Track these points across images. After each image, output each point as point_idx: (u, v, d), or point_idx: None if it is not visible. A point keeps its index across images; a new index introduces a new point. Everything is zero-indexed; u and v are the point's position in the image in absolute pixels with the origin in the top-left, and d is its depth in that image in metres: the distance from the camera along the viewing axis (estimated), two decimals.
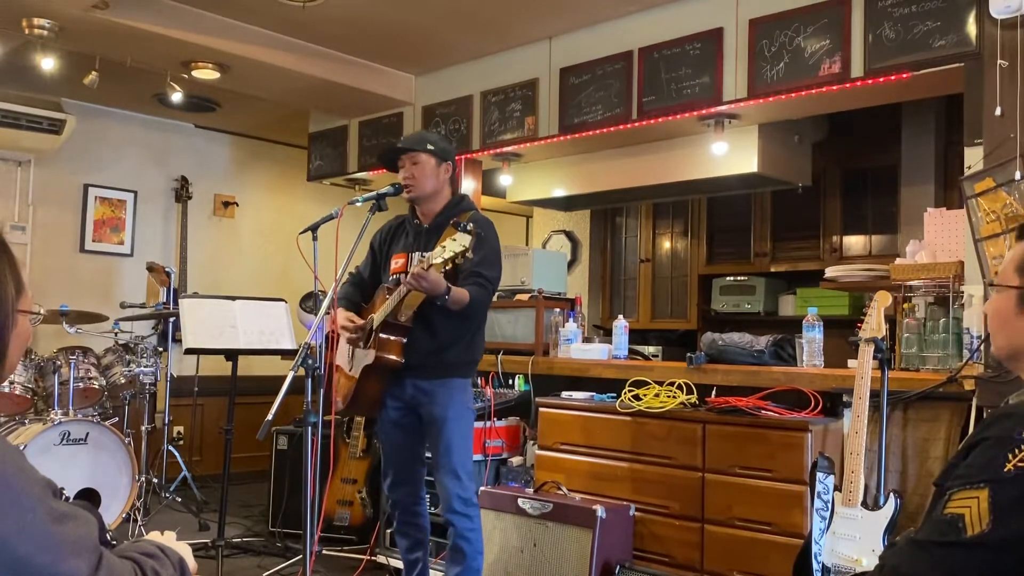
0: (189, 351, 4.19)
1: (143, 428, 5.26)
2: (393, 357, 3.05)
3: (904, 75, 3.39)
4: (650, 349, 5.44)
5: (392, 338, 3.06)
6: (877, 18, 3.43)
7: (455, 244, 2.72)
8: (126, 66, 4.80)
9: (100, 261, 6.24)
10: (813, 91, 3.65)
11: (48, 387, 4.58)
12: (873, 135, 5.28)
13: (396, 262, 3.25)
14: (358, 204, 3.11)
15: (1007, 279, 1.41)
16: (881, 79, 3.45)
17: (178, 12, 4.32)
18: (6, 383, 4.36)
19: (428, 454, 3.25)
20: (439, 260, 2.72)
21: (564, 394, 3.94)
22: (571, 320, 4.27)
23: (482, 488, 3.76)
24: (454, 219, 3.15)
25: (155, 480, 5.18)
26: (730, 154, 4.51)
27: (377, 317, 3.06)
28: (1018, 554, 1.19)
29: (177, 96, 5.30)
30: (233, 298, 4.32)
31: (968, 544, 1.20)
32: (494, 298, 3.32)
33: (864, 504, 2.58)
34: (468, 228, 2.82)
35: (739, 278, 5.94)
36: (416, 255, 3.20)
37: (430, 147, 3.18)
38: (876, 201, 5.41)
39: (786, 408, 3.25)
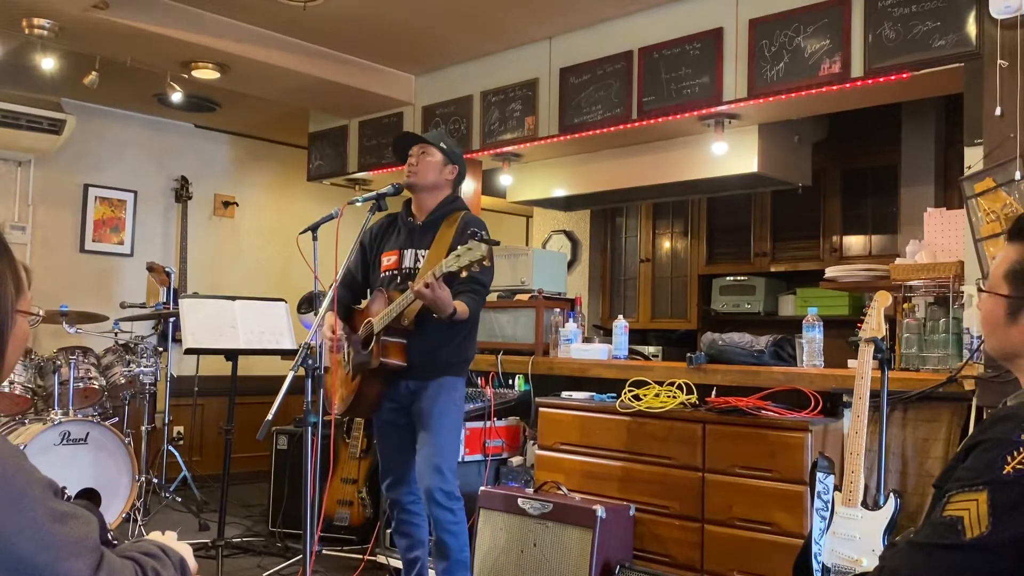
0: (189, 351, 4.19)
1: (143, 428, 5.26)
2: (396, 361, 3.06)
3: (904, 75, 3.39)
4: (650, 349, 5.44)
5: (395, 341, 3.06)
6: (877, 18, 3.44)
7: (472, 253, 2.72)
8: (126, 66, 4.80)
9: (100, 261, 6.24)
10: (813, 91, 3.65)
11: (48, 387, 4.58)
12: (873, 135, 5.28)
13: (387, 259, 3.26)
14: (358, 204, 3.11)
15: (996, 286, 1.41)
16: (881, 79, 3.45)
17: (178, 12, 4.32)
18: (6, 383, 4.36)
19: None
20: (455, 267, 2.74)
21: (564, 394, 3.94)
22: (571, 320, 4.27)
23: (482, 488, 3.76)
24: (448, 218, 3.19)
25: (155, 480, 5.18)
26: (730, 154, 4.51)
27: (379, 322, 3.05)
28: (1018, 556, 1.19)
29: (177, 96, 5.30)
30: (233, 298, 4.32)
31: (968, 546, 1.20)
32: (492, 297, 3.33)
33: (864, 504, 2.58)
34: (484, 238, 2.81)
35: (739, 278, 5.94)
36: (409, 252, 3.20)
37: (443, 145, 3.25)
38: (876, 201, 5.41)
39: (786, 408, 3.25)
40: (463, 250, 2.75)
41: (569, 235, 6.75)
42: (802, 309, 4.53)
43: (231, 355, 4.16)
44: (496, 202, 6.70)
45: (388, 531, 4.10)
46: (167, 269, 5.70)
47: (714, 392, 3.48)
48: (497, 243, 2.89)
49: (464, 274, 2.78)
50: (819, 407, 3.23)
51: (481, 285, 3.10)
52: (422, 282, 2.81)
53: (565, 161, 5.43)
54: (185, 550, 1.37)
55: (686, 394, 3.50)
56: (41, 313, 1.50)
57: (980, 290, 1.47)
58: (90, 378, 4.65)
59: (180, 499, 5.14)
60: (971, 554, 1.20)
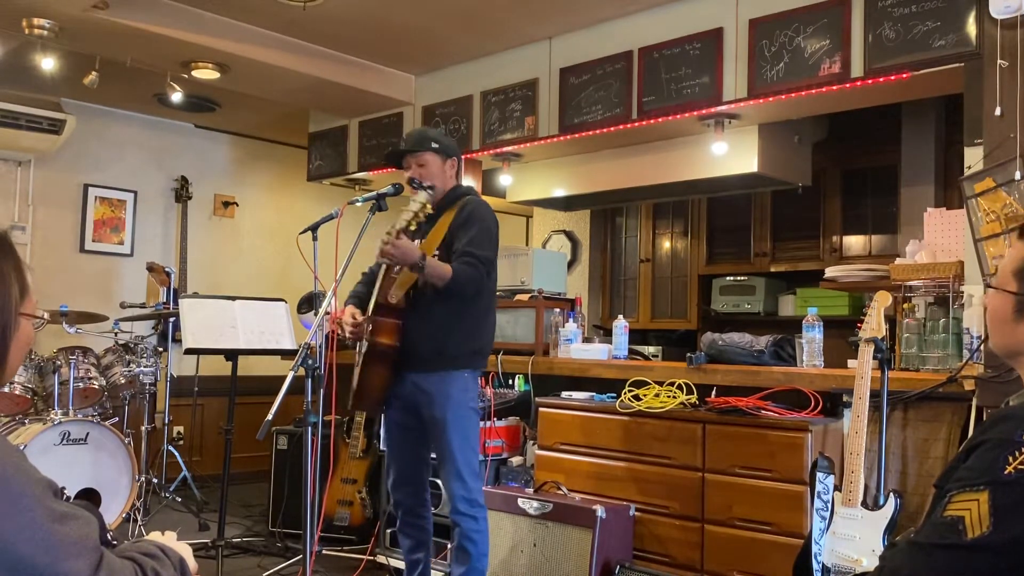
0: (189, 351, 4.19)
1: (143, 428, 5.26)
2: (385, 340, 3.00)
3: (904, 75, 3.39)
4: (650, 349, 5.44)
5: (384, 320, 3.02)
6: (877, 18, 3.44)
7: (414, 204, 2.85)
8: (126, 66, 4.80)
9: (100, 261, 6.23)
10: (813, 91, 3.65)
11: (48, 387, 4.58)
12: (873, 135, 5.27)
13: None
14: (358, 204, 3.10)
15: (1005, 283, 1.41)
16: (881, 79, 3.45)
17: (178, 12, 4.32)
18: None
19: (432, 455, 3.25)
20: (403, 223, 2.83)
21: (564, 394, 3.94)
22: (571, 320, 4.27)
23: (482, 488, 3.76)
24: (452, 206, 3.19)
25: (155, 480, 5.18)
26: (730, 154, 4.51)
27: (371, 303, 3.06)
28: (1018, 557, 1.18)
29: (177, 96, 5.30)
30: (233, 298, 4.32)
31: (968, 547, 1.20)
32: (496, 291, 3.30)
33: (864, 504, 2.58)
34: (424, 185, 3.00)
35: (739, 278, 5.94)
36: (416, 243, 3.21)
37: (434, 145, 3.18)
38: (876, 201, 5.41)
39: (786, 408, 3.25)
40: (410, 203, 2.89)
41: (569, 235, 6.75)
42: (802, 309, 4.53)
43: (231, 355, 4.15)
44: (496, 202, 6.66)
45: (388, 531, 4.10)
46: (167, 269, 5.70)
47: (714, 392, 3.48)
48: (431, 187, 3.05)
49: (413, 227, 2.90)
50: (819, 407, 3.23)
51: (476, 259, 3.00)
52: (381, 241, 2.86)
53: (565, 161, 5.43)
54: (185, 550, 1.37)
55: (686, 394, 3.50)
56: (46, 316, 1.49)
57: (988, 286, 1.47)
58: (90, 378, 4.65)
59: (180, 499, 5.14)
60: (972, 554, 1.20)
